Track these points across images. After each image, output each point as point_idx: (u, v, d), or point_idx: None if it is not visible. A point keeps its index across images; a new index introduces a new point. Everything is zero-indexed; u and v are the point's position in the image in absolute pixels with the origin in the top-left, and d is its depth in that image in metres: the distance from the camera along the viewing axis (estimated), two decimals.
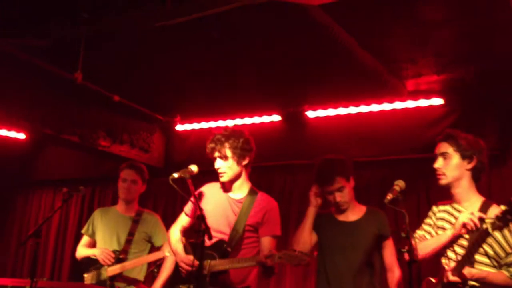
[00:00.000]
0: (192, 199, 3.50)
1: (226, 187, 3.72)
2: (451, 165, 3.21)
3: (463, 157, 3.20)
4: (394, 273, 3.63)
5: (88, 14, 4.18)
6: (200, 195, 3.75)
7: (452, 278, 3.03)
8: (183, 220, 3.85)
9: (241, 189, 3.69)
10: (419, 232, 3.39)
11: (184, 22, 4.05)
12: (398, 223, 4.67)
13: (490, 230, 2.89)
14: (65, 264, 7.09)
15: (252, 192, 3.70)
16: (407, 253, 2.82)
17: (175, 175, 3.49)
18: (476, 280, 3.02)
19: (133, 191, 4.61)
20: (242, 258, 3.50)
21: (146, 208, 4.86)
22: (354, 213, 3.72)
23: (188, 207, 3.83)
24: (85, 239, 4.70)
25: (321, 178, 3.63)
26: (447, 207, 3.32)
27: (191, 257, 3.52)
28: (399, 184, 3.13)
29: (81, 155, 6.86)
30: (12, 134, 6.44)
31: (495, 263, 3.09)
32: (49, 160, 7.60)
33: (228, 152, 3.59)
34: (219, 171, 3.62)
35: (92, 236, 4.66)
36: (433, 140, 3.41)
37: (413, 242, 2.82)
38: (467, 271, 3.00)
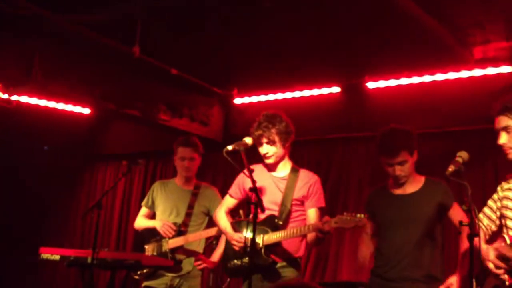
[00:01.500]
0: (245, 171, 3.56)
1: (270, 167, 3.86)
2: None
3: None
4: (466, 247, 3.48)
5: None
6: (242, 177, 3.90)
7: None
8: (228, 202, 4.01)
9: (284, 168, 3.85)
10: (480, 215, 3.21)
11: None
12: (460, 196, 4.48)
13: None
14: (129, 236, 7.30)
15: (294, 170, 3.85)
16: (468, 227, 2.70)
17: (229, 147, 3.61)
18: None
19: (192, 168, 4.67)
20: (297, 228, 3.61)
21: (204, 181, 4.91)
22: (412, 185, 3.60)
23: (233, 189, 3.98)
24: (144, 211, 4.78)
25: (384, 149, 3.52)
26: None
27: (241, 234, 3.72)
28: (462, 156, 2.98)
29: (143, 129, 6.98)
30: (78, 109, 6.65)
31: None
32: (114, 134, 7.80)
33: (276, 137, 3.71)
34: (266, 155, 3.76)
35: (152, 208, 4.73)
36: None
37: (474, 215, 2.68)
38: None
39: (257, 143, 3.75)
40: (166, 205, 4.66)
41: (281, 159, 3.80)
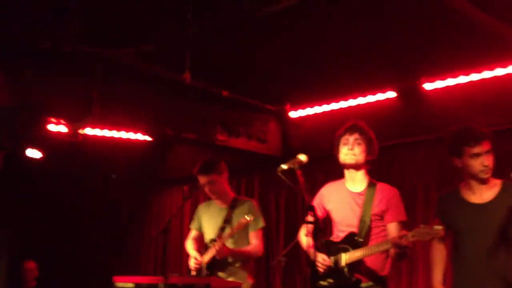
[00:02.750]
0: (302, 189, 3.47)
1: (348, 180, 3.81)
2: None
3: None
4: None
5: (192, 14, 4.30)
6: (321, 196, 3.91)
7: None
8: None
9: (361, 183, 3.79)
10: None
11: (286, 6, 4.03)
12: None
13: None
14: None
15: (371, 184, 3.78)
16: None
17: (284, 166, 3.51)
18: None
19: (216, 190, 4.64)
20: (376, 244, 3.55)
21: (258, 198, 4.88)
22: (489, 190, 3.45)
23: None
24: (193, 233, 4.84)
25: (469, 138, 3.41)
26: None
27: (324, 256, 3.64)
28: None
29: (203, 152, 7.07)
30: (139, 136, 6.83)
31: None
32: (176, 159, 7.94)
33: (364, 141, 3.76)
34: (351, 152, 3.74)
35: (199, 229, 4.79)
36: None
37: None
38: None
39: (342, 141, 3.76)
40: (209, 225, 4.70)
41: (359, 166, 3.76)
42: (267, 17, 4.31)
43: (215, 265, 4.49)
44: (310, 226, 3.38)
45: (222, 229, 4.58)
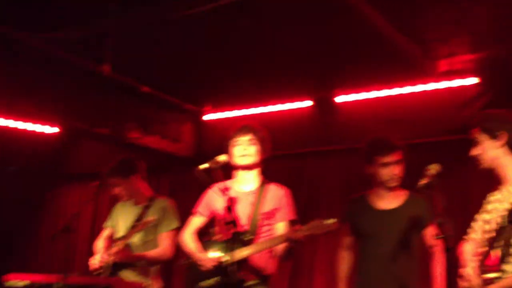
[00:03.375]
0: (219, 190, 3.47)
1: (239, 179, 3.76)
2: (482, 149, 3.07)
3: (491, 136, 3.04)
4: (440, 259, 3.54)
5: (116, 5, 4.18)
6: (209, 196, 3.81)
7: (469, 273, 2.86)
8: (195, 221, 3.86)
9: (254, 182, 3.74)
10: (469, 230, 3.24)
11: (210, 9, 4.02)
12: (434, 209, 4.55)
13: None
14: (76, 258, 7.06)
15: (263, 183, 3.75)
16: (443, 240, 2.73)
17: (203, 166, 3.48)
18: None
19: (126, 192, 4.51)
20: (267, 240, 3.52)
21: (173, 198, 4.77)
22: (395, 199, 3.65)
23: (202, 207, 3.86)
24: (106, 232, 4.65)
25: (380, 148, 3.58)
26: (498, 191, 3.14)
27: (208, 254, 3.58)
28: (434, 168, 3.00)
29: (112, 148, 6.89)
30: (46, 128, 6.52)
31: None
32: (82, 153, 7.66)
33: (258, 141, 3.67)
34: (245, 153, 3.67)
35: (113, 228, 4.61)
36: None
37: (448, 228, 2.71)
38: None
39: (235, 144, 3.69)
40: (120, 225, 4.52)
41: (253, 166, 3.71)
42: (193, 17, 4.28)
43: (121, 264, 4.36)
44: (228, 226, 3.35)
45: (132, 228, 4.45)
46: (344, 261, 3.81)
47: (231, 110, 6.40)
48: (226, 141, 3.77)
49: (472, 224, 3.19)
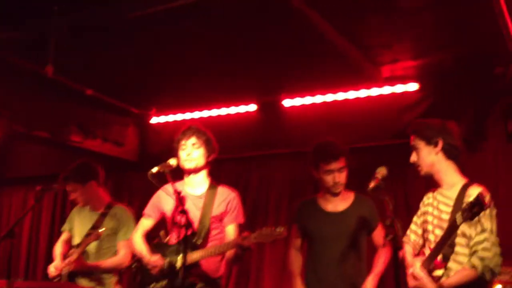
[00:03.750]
0: (172, 193, 3.45)
1: (187, 182, 3.76)
2: (420, 155, 3.19)
3: (429, 143, 3.17)
4: (384, 251, 3.68)
5: (59, 6, 4.07)
6: (159, 197, 3.79)
7: (418, 272, 2.96)
8: (144, 224, 3.85)
9: (202, 185, 3.76)
10: (407, 231, 3.32)
11: (156, 12, 3.98)
12: (382, 211, 4.66)
13: (458, 222, 2.86)
14: (39, 263, 6.91)
15: (212, 186, 3.77)
16: (392, 241, 2.80)
17: (154, 169, 3.46)
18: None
19: (81, 199, 4.46)
20: (217, 245, 3.54)
21: (120, 202, 4.69)
22: (343, 201, 3.72)
23: (149, 209, 3.84)
24: (64, 235, 4.56)
25: (324, 155, 3.63)
26: (434, 194, 3.27)
27: (157, 257, 3.57)
28: (381, 172, 3.10)
29: (53, 151, 6.68)
30: None
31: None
32: (20, 157, 7.39)
33: (203, 143, 3.71)
34: (190, 157, 3.68)
35: (70, 232, 4.53)
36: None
37: (397, 229, 2.79)
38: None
39: (180, 147, 3.69)
40: (77, 230, 4.45)
41: (200, 169, 3.72)
42: (138, 21, 4.22)
43: (78, 272, 4.25)
44: (183, 229, 3.32)
45: (88, 235, 4.33)
46: (297, 259, 3.87)
47: (176, 113, 6.34)
48: (175, 144, 3.76)
49: (411, 226, 3.32)
